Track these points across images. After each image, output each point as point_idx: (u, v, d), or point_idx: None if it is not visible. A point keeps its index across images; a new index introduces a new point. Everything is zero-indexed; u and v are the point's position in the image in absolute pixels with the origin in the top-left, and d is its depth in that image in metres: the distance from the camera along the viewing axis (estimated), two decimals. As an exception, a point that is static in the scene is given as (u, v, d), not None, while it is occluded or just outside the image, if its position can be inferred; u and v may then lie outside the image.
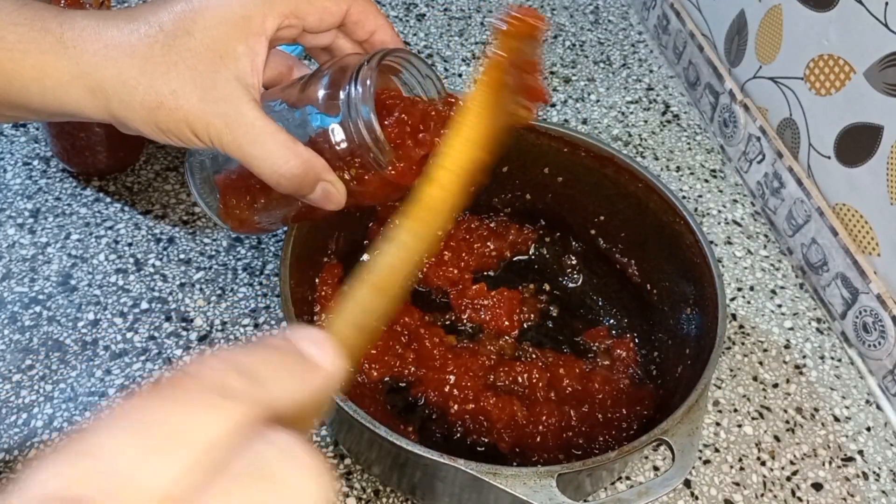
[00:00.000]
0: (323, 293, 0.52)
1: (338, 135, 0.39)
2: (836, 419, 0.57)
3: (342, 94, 0.38)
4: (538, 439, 0.50)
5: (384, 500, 0.49)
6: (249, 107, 0.37)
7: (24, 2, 0.37)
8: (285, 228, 0.49)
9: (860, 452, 0.55)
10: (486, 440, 0.50)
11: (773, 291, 0.65)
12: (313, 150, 0.39)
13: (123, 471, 0.17)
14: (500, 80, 0.36)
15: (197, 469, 0.17)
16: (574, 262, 0.61)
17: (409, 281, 0.31)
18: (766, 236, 0.69)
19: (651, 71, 0.84)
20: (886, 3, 0.55)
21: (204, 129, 0.37)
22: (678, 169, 0.74)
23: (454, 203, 0.35)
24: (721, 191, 0.72)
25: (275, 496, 0.17)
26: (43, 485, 0.16)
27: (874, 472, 0.54)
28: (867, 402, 0.58)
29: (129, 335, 0.55)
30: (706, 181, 0.73)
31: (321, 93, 0.40)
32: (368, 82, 0.38)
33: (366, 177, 0.40)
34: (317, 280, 0.53)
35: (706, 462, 0.53)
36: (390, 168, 0.39)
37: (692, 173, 0.73)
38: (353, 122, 0.38)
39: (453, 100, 0.43)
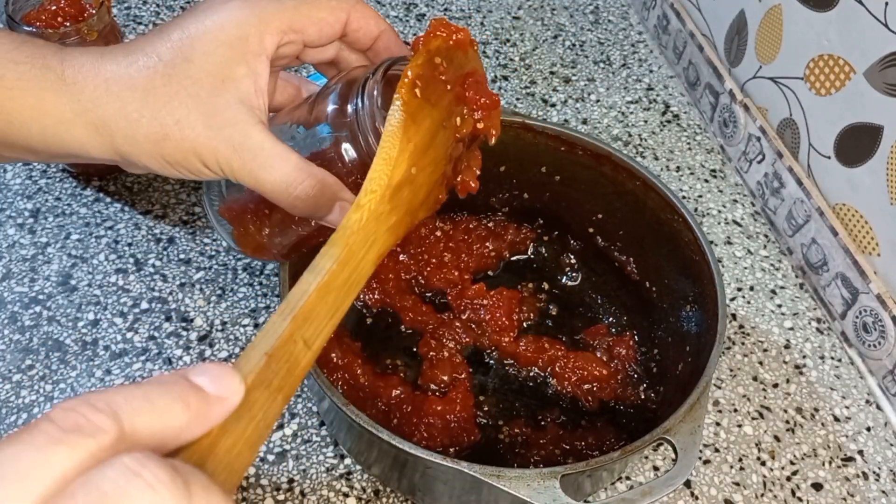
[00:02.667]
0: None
1: (349, 151, 0.38)
2: (836, 419, 0.57)
3: (350, 109, 0.38)
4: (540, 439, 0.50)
5: (384, 500, 0.49)
6: (256, 129, 0.36)
7: (23, 39, 0.36)
8: None
9: (860, 452, 0.55)
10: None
11: (773, 291, 0.65)
12: (327, 170, 0.38)
13: None
14: (412, 96, 0.36)
15: (37, 498, 0.19)
16: (573, 261, 0.61)
17: (339, 301, 0.31)
18: (766, 236, 0.69)
19: (651, 71, 0.84)
20: (886, 3, 0.55)
21: (213, 158, 0.36)
22: (678, 169, 0.74)
23: (384, 222, 0.34)
24: (721, 191, 0.72)
25: None
26: None
27: (874, 472, 0.54)
28: (867, 402, 0.58)
29: (129, 335, 0.55)
30: (706, 181, 0.73)
31: (330, 108, 0.39)
32: (375, 93, 0.37)
33: None
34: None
35: (706, 462, 0.53)
36: None
37: (692, 173, 0.73)
38: (364, 135, 0.37)
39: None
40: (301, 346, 0.28)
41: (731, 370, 0.59)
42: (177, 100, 0.35)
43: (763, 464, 0.54)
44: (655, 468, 0.53)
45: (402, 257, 0.58)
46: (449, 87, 0.38)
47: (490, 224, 0.62)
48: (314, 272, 0.30)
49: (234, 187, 0.42)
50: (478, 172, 0.43)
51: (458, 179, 0.42)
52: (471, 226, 0.61)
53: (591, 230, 0.59)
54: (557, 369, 0.54)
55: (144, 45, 0.36)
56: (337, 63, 0.43)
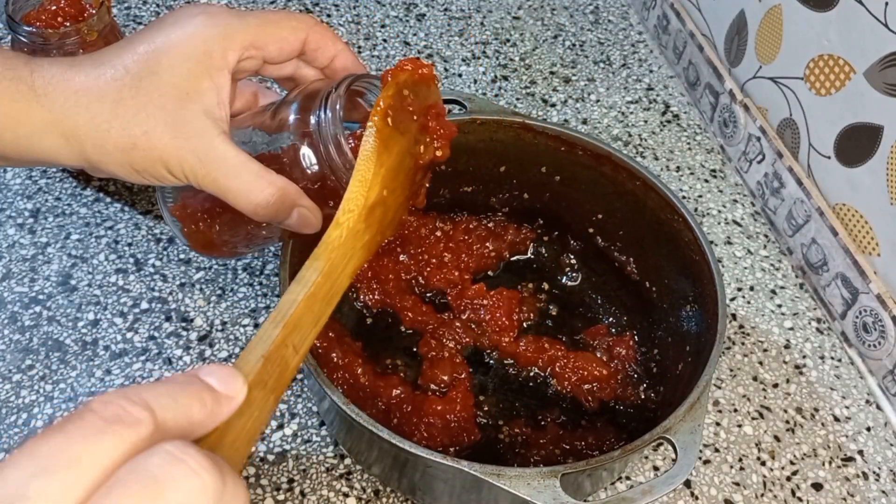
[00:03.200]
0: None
1: (309, 158, 0.40)
2: (836, 419, 0.57)
3: (312, 119, 0.40)
4: (540, 439, 0.50)
5: (384, 500, 0.49)
6: (220, 140, 0.38)
7: None
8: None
9: (860, 452, 0.55)
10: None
11: (773, 291, 0.65)
12: (286, 176, 0.40)
13: (15, 492, 0.19)
14: (384, 124, 0.39)
15: (86, 486, 0.20)
16: (573, 261, 0.61)
17: (321, 311, 0.34)
18: (766, 236, 0.69)
19: (651, 71, 0.84)
20: (886, 3, 0.55)
21: (178, 166, 0.38)
22: (678, 169, 0.74)
23: (360, 239, 0.37)
24: (721, 191, 0.72)
25: (163, 498, 0.20)
26: None
27: (874, 472, 0.54)
28: (867, 402, 0.58)
29: (129, 335, 0.55)
30: (706, 181, 0.73)
31: (292, 118, 0.41)
32: (338, 107, 0.39)
33: (331, 198, 0.41)
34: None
35: (706, 462, 0.53)
36: None
37: (692, 173, 0.73)
38: (324, 145, 0.39)
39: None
40: (290, 350, 0.31)
41: (731, 370, 0.59)
42: (144, 111, 0.37)
43: (763, 464, 0.54)
44: (655, 468, 0.53)
45: (402, 257, 0.58)
46: (415, 117, 0.42)
47: (490, 224, 0.62)
48: (301, 283, 0.33)
49: (188, 188, 0.43)
50: (425, 189, 0.47)
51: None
52: (471, 226, 0.61)
53: (591, 230, 0.59)
54: (557, 369, 0.54)
55: (112, 57, 0.38)
56: (295, 79, 0.45)
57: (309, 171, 0.40)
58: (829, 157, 0.63)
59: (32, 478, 0.19)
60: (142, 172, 0.38)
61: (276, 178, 0.39)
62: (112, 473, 0.20)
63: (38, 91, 0.36)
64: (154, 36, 0.38)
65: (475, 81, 0.79)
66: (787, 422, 0.56)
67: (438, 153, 0.44)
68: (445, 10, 0.87)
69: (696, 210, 0.70)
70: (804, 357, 0.61)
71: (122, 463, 0.20)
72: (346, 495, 0.49)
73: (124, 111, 0.37)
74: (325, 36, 0.42)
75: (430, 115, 0.43)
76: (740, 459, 0.54)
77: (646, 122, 0.78)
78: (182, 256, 0.60)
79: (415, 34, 0.83)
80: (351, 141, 0.41)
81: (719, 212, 0.70)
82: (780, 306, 0.64)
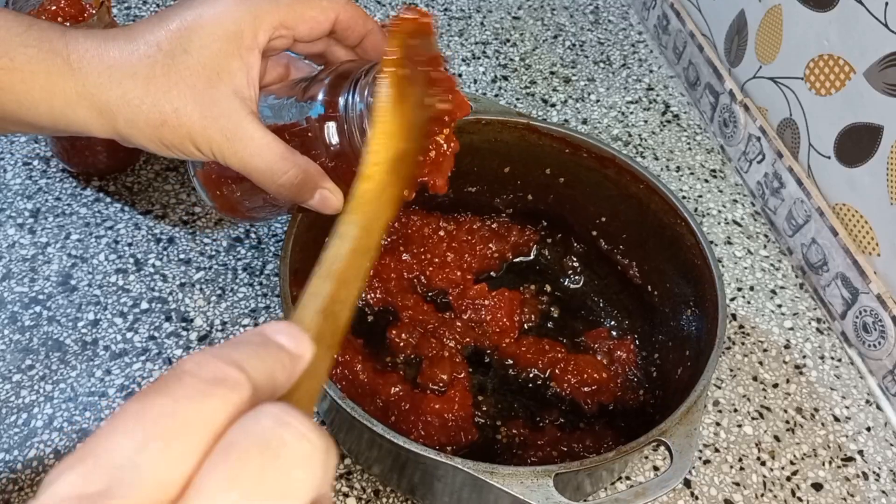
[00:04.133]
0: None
1: (334, 138, 0.41)
2: (836, 419, 0.57)
3: (341, 101, 0.40)
4: (539, 440, 0.50)
5: (384, 500, 0.49)
6: (248, 120, 0.39)
7: (31, 22, 0.38)
8: (286, 219, 0.50)
9: (860, 452, 0.55)
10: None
11: (773, 291, 0.65)
12: (310, 152, 0.40)
13: (126, 462, 0.18)
14: (400, 75, 0.38)
15: (199, 452, 0.18)
16: (575, 264, 0.61)
17: (363, 266, 0.33)
18: (766, 236, 0.69)
19: (651, 71, 0.84)
20: (886, 3, 0.55)
21: (206, 144, 0.39)
22: (678, 169, 0.74)
23: (389, 192, 0.37)
24: (721, 191, 0.72)
25: (280, 461, 0.19)
26: (54, 492, 0.17)
27: (874, 472, 0.54)
28: (867, 402, 0.59)
29: (129, 335, 0.55)
30: (706, 181, 0.73)
31: (321, 97, 0.41)
32: (366, 93, 0.40)
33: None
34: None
35: (706, 462, 0.53)
36: None
37: (692, 173, 0.73)
38: (350, 127, 0.40)
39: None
40: (340, 306, 0.30)
41: (731, 370, 0.59)
42: (175, 90, 0.38)
43: (763, 464, 0.54)
44: (656, 468, 0.53)
45: (404, 256, 0.58)
46: (420, 68, 0.41)
47: (493, 225, 0.61)
48: (343, 238, 0.33)
49: None
50: (448, 172, 0.45)
51: (430, 181, 0.44)
52: (474, 226, 0.60)
53: (594, 233, 0.59)
54: (557, 371, 0.54)
55: (145, 32, 0.39)
56: (325, 56, 0.45)
57: (332, 150, 0.41)
58: (829, 157, 0.63)
59: (144, 446, 0.18)
60: (171, 147, 0.39)
61: (300, 159, 0.40)
62: (219, 437, 0.19)
63: (73, 65, 0.37)
64: (186, 13, 0.39)
65: (475, 81, 0.79)
66: (787, 422, 0.56)
67: (444, 105, 0.43)
68: (445, 10, 0.87)
69: (696, 210, 0.70)
70: (804, 357, 0.61)
71: (227, 426, 0.19)
72: (346, 495, 0.49)
73: (156, 88, 0.37)
74: (356, 16, 0.42)
75: (433, 66, 0.42)
76: (740, 459, 0.54)
77: (646, 122, 0.78)
78: (182, 256, 0.60)
79: (415, 34, 0.83)
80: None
81: (719, 212, 0.70)
82: (780, 306, 0.64)
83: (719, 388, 0.58)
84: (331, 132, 0.41)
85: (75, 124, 0.39)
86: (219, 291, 0.58)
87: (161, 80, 0.38)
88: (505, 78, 0.80)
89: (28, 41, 0.37)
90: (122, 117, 0.38)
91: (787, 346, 0.61)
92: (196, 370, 0.20)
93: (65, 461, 0.18)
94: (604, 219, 0.58)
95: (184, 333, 0.55)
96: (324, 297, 0.29)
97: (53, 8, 0.57)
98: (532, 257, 0.62)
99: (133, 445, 0.18)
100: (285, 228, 0.49)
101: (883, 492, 0.53)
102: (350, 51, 0.45)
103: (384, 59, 0.38)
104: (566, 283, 0.61)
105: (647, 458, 0.53)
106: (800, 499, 0.52)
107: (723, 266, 0.66)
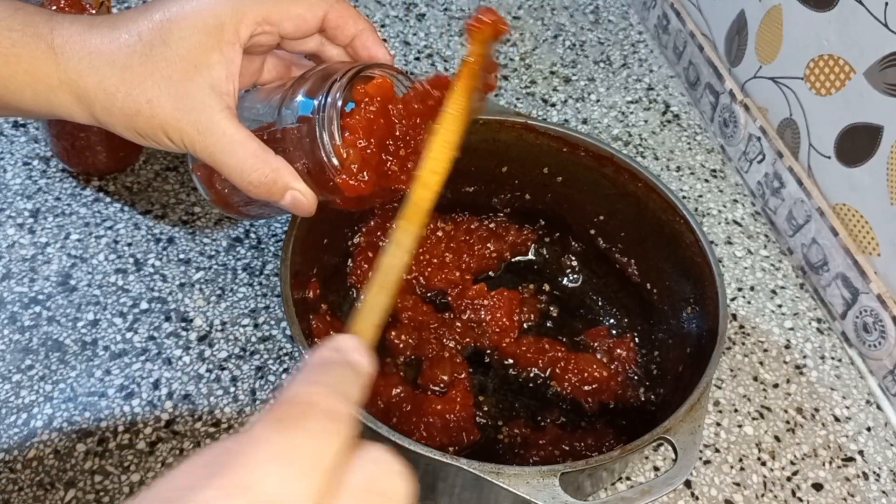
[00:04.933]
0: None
1: (305, 138, 0.40)
2: (837, 419, 0.57)
3: (316, 102, 0.40)
4: (540, 439, 0.50)
5: (384, 500, 0.49)
6: (222, 115, 0.38)
7: (17, 6, 0.38)
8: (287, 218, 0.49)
9: (860, 452, 0.55)
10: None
11: (774, 291, 0.65)
12: (287, 154, 0.40)
13: (275, 498, 0.19)
14: (473, 84, 0.39)
15: (322, 487, 0.20)
16: (574, 263, 0.61)
17: (402, 275, 0.34)
18: (766, 236, 0.69)
19: (651, 71, 0.84)
20: (886, 3, 0.55)
21: (178, 136, 0.39)
22: (678, 169, 0.74)
23: (433, 202, 0.37)
24: (721, 191, 0.72)
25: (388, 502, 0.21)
26: None
27: (874, 473, 0.54)
28: (867, 402, 0.58)
29: (128, 335, 0.55)
30: (706, 181, 0.73)
31: (299, 98, 0.41)
32: (338, 95, 0.39)
33: (329, 183, 0.41)
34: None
35: (706, 462, 0.53)
36: (343, 178, 0.40)
37: (692, 173, 0.73)
38: (319, 130, 0.40)
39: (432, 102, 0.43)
40: (386, 315, 0.32)
41: (732, 370, 0.59)
42: (150, 80, 0.38)
43: (763, 464, 0.54)
44: (656, 468, 0.53)
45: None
46: (484, 74, 0.41)
47: (491, 225, 0.61)
48: (399, 246, 0.34)
49: None
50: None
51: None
52: (472, 226, 0.60)
53: (592, 232, 0.59)
54: (557, 370, 0.54)
55: (128, 21, 0.39)
56: (318, 55, 0.44)
57: (305, 151, 0.41)
58: (829, 157, 0.63)
59: (281, 480, 0.20)
60: (145, 137, 0.39)
61: (272, 158, 0.39)
62: (335, 471, 0.21)
63: (56, 50, 0.37)
64: (171, 5, 0.39)
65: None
66: (788, 422, 0.56)
67: (481, 107, 0.42)
68: (445, 9, 0.87)
69: (696, 210, 0.70)
70: (804, 357, 0.61)
71: (340, 460, 0.21)
72: (346, 496, 0.49)
73: (131, 77, 0.37)
74: (346, 15, 0.42)
75: (492, 71, 0.42)
76: (741, 459, 0.54)
77: (646, 121, 0.78)
78: (182, 256, 0.60)
79: (415, 34, 0.83)
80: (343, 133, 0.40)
81: (719, 212, 0.70)
82: (780, 306, 0.64)
83: (720, 388, 0.58)
84: (303, 133, 0.40)
85: (59, 109, 0.39)
86: (218, 291, 0.58)
87: (138, 69, 0.37)
88: (505, 78, 0.80)
89: (13, 25, 0.37)
90: (98, 104, 0.38)
91: (787, 347, 0.61)
92: (317, 401, 0.22)
93: (205, 489, 0.19)
94: (602, 217, 0.58)
95: (183, 333, 0.55)
96: (380, 311, 0.31)
97: (54, 8, 0.56)
98: (530, 257, 0.62)
99: (271, 478, 0.19)
100: (285, 229, 0.49)
101: (883, 492, 0.53)
102: (342, 50, 0.44)
103: (464, 62, 0.38)
104: (565, 281, 0.61)
105: (647, 458, 0.53)
106: (800, 499, 0.52)
107: (723, 266, 0.66)
